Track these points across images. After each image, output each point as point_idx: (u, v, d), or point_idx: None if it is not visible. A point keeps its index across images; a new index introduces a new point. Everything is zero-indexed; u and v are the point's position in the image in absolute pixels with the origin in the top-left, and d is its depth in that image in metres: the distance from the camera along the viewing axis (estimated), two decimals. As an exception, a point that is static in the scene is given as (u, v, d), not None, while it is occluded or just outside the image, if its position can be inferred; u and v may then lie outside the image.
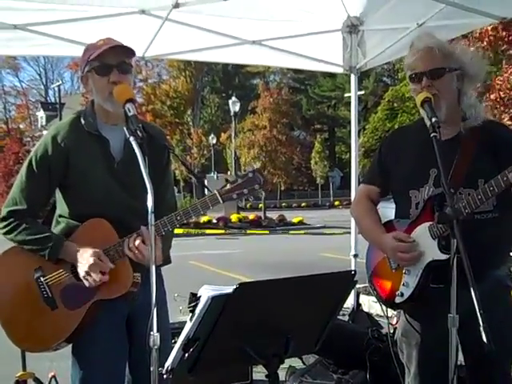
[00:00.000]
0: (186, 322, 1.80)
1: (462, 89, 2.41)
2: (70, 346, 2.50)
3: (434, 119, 2.19)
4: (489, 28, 9.64)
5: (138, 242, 2.34)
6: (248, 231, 21.84)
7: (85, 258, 2.37)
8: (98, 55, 2.38)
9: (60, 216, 2.55)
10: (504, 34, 10.01)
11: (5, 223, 2.50)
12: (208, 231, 21.04)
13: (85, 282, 2.37)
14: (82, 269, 2.37)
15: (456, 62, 2.39)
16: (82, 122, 2.50)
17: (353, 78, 5.15)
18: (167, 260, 2.59)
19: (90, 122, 2.49)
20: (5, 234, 2.50)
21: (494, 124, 2.55)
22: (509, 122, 9.99)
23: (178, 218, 2.38)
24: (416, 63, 2.39)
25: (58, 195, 2.55)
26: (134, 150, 2.12)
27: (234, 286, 1.70)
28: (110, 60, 2.39)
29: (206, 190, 2.50)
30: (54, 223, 2.59)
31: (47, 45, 4.51)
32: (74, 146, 2.46)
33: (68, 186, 2.50)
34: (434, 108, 2.27)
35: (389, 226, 2.54)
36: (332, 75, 38.39)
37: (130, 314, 2.54)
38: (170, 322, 2.74)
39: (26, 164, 2.52)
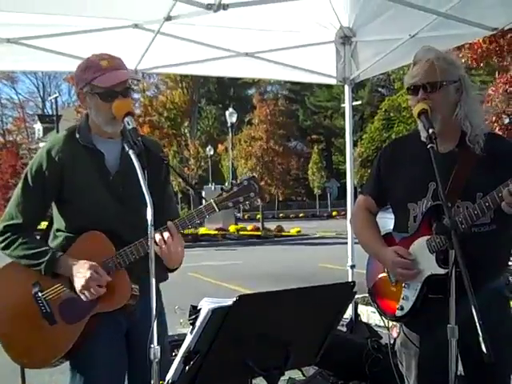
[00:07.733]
0: (185, 335, 1.80)
1: (460, 100, 2.40)
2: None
3: (431, 130, 2.20)
4: (480, 40, 9.75)
5: (166, 234, 2.34)
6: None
7: (81, 272, 2.36)
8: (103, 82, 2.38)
9: (57, 230, 2.54)
10: (493, 46, 10.14)
11: (1, 238, 2.50)
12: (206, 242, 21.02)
13: (81, 296, 2.36)
14: (78, 283, 2.36)
15: (454, 75, 2.40)
16: (77, 135, 2.50)
17: (346, 88, 5.16)
18: (165, 276, 2.60)
19: (85, 135, 2.50)
20: (2, 249, 2.51)
21: (495, 137, 2.54)
22: (500, 132, 10.10)
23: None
24: (413, 76, 2.40)
25: (55, 210, 2.55)
26: (130, 162, 2.12)
27: (234, 299, 1.71)
28: (115, 87, 2.39)
29: (203, 201, 2.50)
30: (51, 237, 2.58)
31: (41, 59, 4.48)
32: (68, 159, 2.46)
33: (63, 199, 2.49)
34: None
35: (388, 239, 2.55)
36: (328, 85, 38.48)
37: (129, 327, 2.53)
38: (170, 334, 2.74)
39: (22, 179, 2.53)
